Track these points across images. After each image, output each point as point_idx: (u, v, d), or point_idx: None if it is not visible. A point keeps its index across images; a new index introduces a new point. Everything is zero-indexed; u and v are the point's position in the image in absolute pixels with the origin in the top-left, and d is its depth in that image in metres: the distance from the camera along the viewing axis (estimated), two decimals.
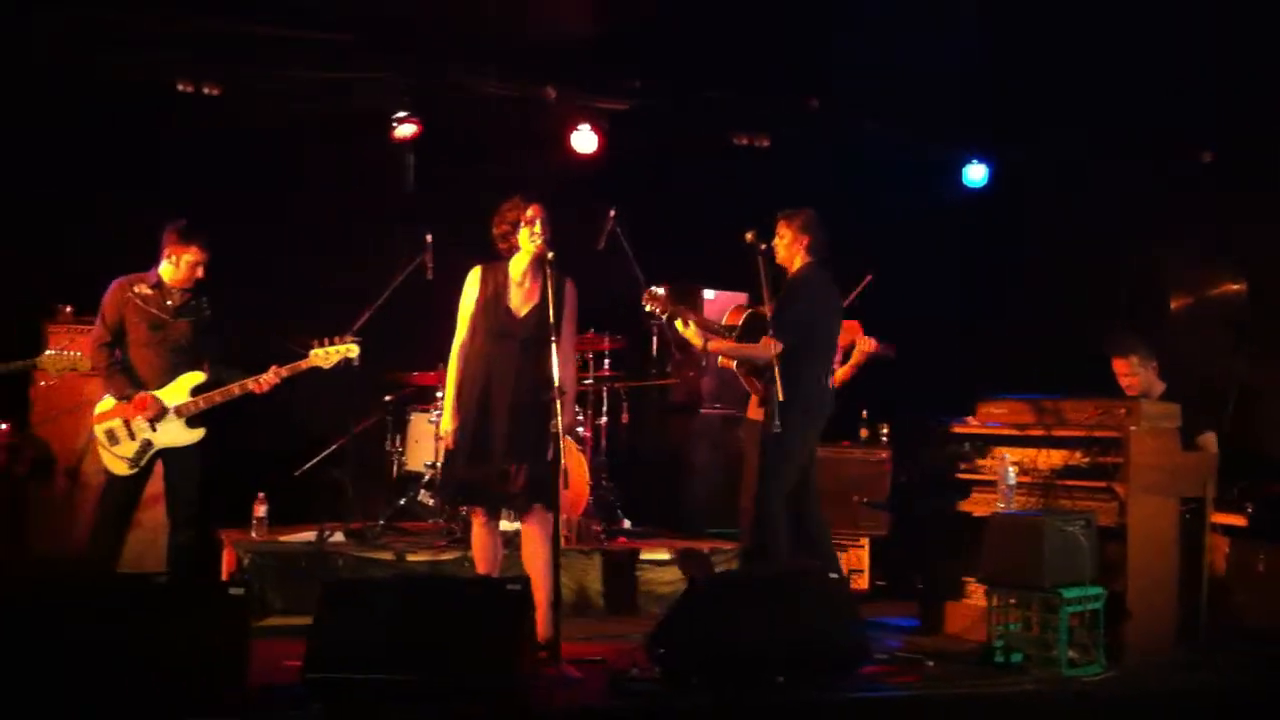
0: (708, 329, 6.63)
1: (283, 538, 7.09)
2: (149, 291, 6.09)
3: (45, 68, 7.41)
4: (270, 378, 6.13)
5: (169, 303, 6.11)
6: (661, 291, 6.56)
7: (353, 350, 6.29)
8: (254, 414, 6.41)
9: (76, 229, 7.72)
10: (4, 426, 7.24)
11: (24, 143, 7.51)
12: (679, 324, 6.51)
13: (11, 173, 7.49)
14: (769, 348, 6.13)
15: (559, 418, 5.35)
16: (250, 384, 6.10)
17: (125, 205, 7.51)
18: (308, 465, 7.62)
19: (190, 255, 6.07)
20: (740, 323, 6.74)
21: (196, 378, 6.11)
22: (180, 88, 7.71)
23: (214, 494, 6.38)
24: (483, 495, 5.66)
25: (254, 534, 7.07)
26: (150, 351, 6.08)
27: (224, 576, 6.82)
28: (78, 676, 4.53)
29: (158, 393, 6.04)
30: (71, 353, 5.96)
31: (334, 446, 7.56)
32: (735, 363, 6.67)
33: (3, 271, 7.49)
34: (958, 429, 6.72)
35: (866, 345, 7.27)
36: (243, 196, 7.95)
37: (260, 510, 7.14)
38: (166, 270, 6.12)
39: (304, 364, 6.22)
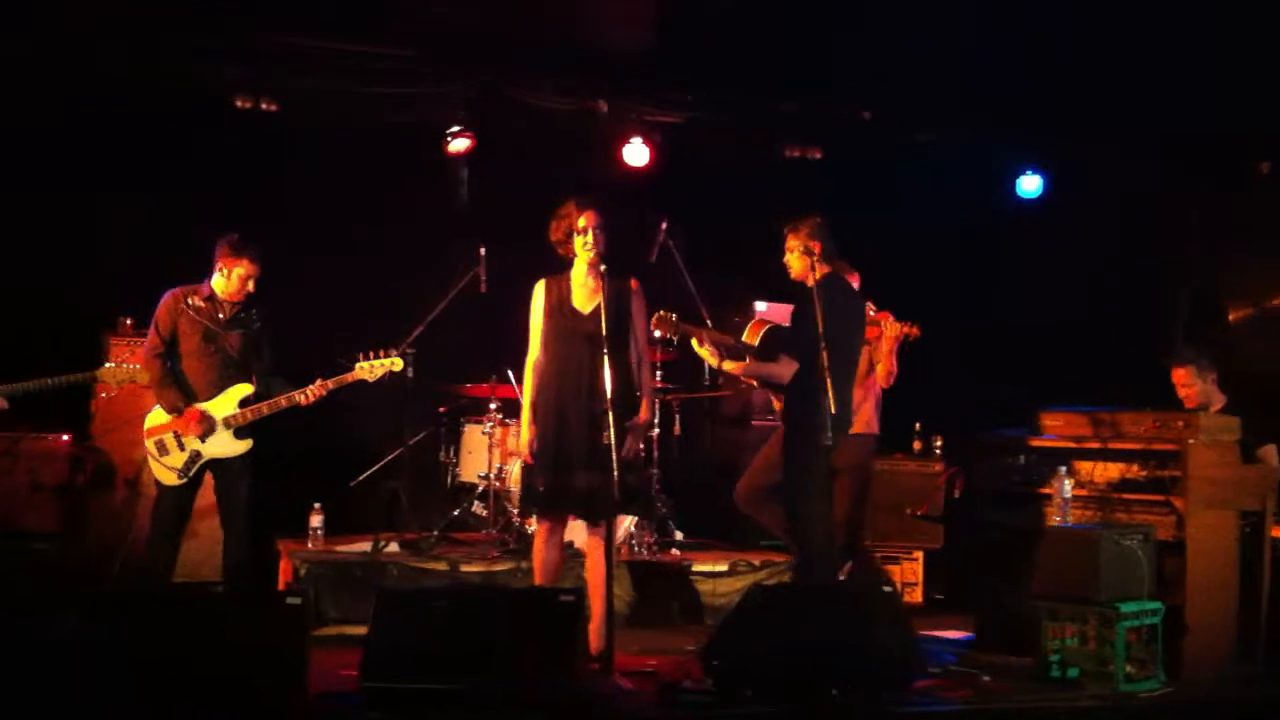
0: (723, 347, 6.53)
1: (338, 548, 7.15)
2: (201, 303, 6.17)
3: (107, 79, 7.54)
4: (316, 390, 6.19)
5: (220, 315, 6.19)
6: (671, 315, 6.47)
7: (397, 364, 6.33)
8: (310, 425, 6.48)
9: (128, 239, 7.81)
10: (66, 438, 7.34)
11: (85, 151, 7.65)
12: (694, 343, 6.40)
13: (77, 184, 7.63)
14: (787, 366, 6.07)
15: (611, 430, 5.36)
16: (297, 396, 6.17)
17: (178, 215, 7.63)
18: (363, 476, 7.68)
19: (241, 269, 6.14)
20: (759, 338, 6.66)
21: (245, 389, 6.19)
22: (238, 104, 7.83)
23: (270, 505, 6.45)
24: (561, 503, 5.68)
25: (310, 544, 7.14)
26: (201, 362, 6.16)
27: (280, 586, 6.89)
28: (138, 686, 4.59)
29: (207, 405, 6.12)
30: (131, 365, 6.03)
31: (389, 458, 7.62)
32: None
33: (63, 283, 7.60)
34: (1013, 441, 6.67)
35: (892, 330, 7.18)
36: (295, 208, 8.04)
37: (316, 520, 7.21)
38: (218, 283, 6.19)
39: (349, 377, 6.26)
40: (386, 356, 6.30)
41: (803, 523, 6.19)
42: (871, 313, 7.09)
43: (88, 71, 7.50)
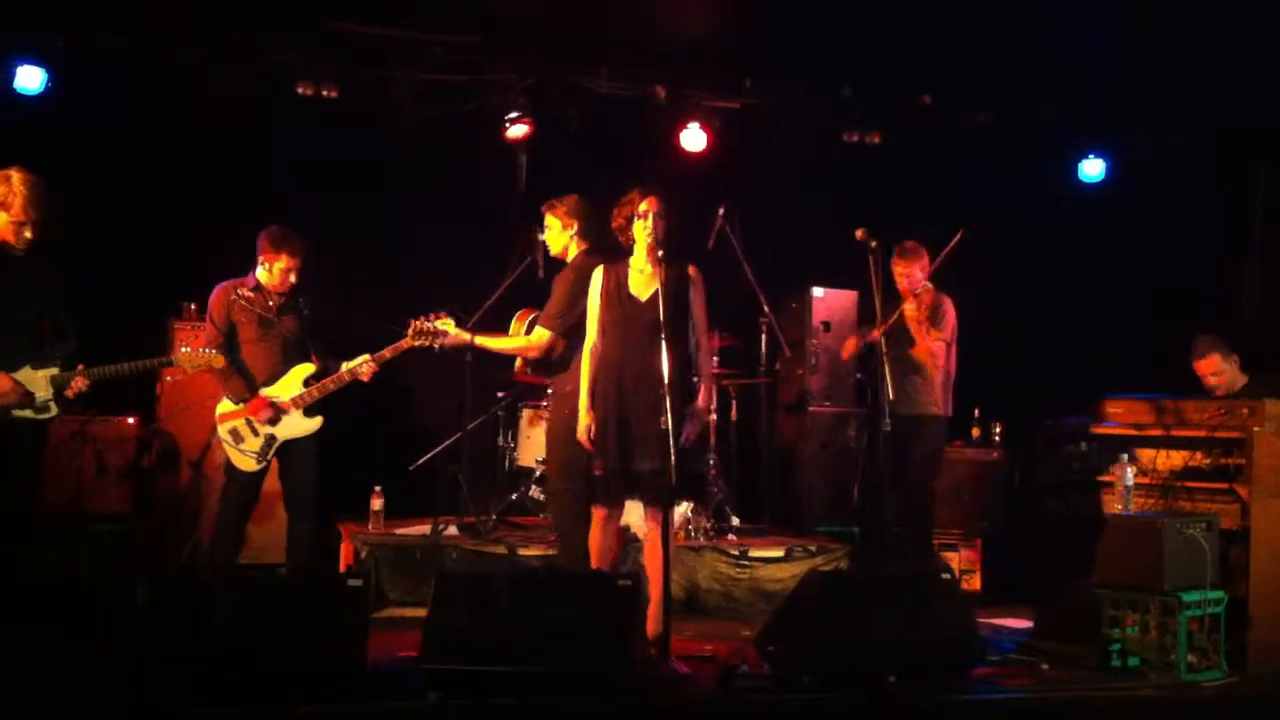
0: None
1: (399, 530, 7.22)
2: (250, 294, 6.24)
3: (177, 70, 7.64)
4: (370, 364, 6.21)
5: (271, 303, 6.25)
6: (429, 324, 6.28)
7: (449, 325, 6.23)
8: (371, 409, 6.54)
9: (192, 226, 7.90)
10: (132, 420, 7.45)
11: (147, 143, 7.76)
12: (450, 328, 6.31)
13: (134, 172, 7.73)
14: (540, 337, 6.11)
15: (668, 415, 5.37)
16: (359, 369, 6.22)
17: (240, 203, 7.69)
18: (423, 460, 7.74)
19: (282, 262, 6.18)
20: (525, 325, 6.62)
21: (308, 369, 6.26)
22: (300, 90, 7.90)
23: (332, 488, 6.53)
24: (622, 489, 5.69)
25: (371, 527, 7.22)
26: (261, 347, 6.24)
27: (342, 568, 6.98)
28: (203, 666, 4.66)
29: (272, 389, 6.21)
30: (208, 350, 6.06)
31: (448, 442, 7.68)
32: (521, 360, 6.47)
33: (129, 269, 7.71)
34: (1075, 429, 6.61)
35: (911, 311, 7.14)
36: (352, 198, 8.09)
37: (377, 504, 7.30)
38: (262, 275, 6.24)
39: (404, 344, 6.22)
40: (437, 319, 6.28)
41: (556, 497, 6.22)
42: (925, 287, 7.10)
43: (158, 62, 7.59)
